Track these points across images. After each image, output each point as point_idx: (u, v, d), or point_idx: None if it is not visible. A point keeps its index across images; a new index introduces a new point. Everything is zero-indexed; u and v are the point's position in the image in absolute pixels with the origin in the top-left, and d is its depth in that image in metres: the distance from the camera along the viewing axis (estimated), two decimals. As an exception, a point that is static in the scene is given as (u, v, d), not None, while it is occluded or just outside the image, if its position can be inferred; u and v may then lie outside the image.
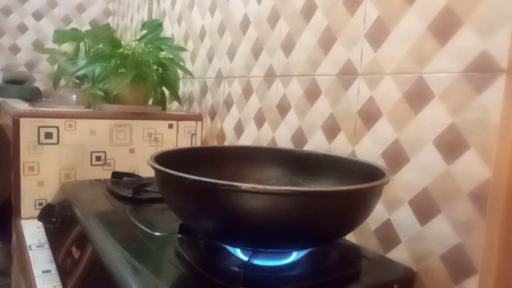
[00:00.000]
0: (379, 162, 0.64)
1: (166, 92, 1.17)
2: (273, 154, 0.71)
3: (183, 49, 1.17)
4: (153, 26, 1.14)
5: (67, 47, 1.30)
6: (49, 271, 0.70)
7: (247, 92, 0.99)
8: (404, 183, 0.60)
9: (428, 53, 0.57)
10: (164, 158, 0.58)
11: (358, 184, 0.47)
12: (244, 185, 0.42)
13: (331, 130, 0.74)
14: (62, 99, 1.40)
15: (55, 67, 1.52)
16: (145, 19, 1.65)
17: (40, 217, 0.82)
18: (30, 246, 0.79)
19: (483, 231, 0.50)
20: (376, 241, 0.65)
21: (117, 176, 0.93)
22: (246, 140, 1.00)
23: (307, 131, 0.80)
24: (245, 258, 0.49)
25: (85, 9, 2.12)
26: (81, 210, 0.74)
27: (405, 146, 0.60)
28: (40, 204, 0.94)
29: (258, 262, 0.51)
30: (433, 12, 0.56)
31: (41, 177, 0.95)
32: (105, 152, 1.02)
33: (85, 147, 0.99)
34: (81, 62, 1.03)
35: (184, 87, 1.35)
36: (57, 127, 0.95)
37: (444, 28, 0.55)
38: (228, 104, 1.08)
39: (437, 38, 0.55)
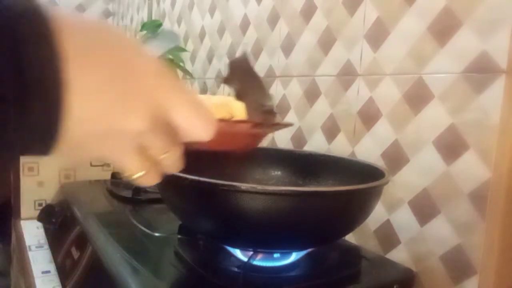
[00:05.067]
0: (378, 162, 0.64)
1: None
2: (273, 155, 0.71)
3: (183, 50, 1.17)
4: (153, 27, 1.14)
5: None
6: (48, 271, 0.70)
7: (247, 92, 0.99)
8: (403, 183, 0.60)
9: (427, 54, 0.57)
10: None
11: (358, 184, 0.47)
12: (244, 185, 0.42)
13: (330, 130, 0.74)
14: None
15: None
16: (145, 19, 1.65)
17: (40, 218, 0.82)
18: (29, 246, 0.79)
19: (482, 232, 0.50)
20: (376, 241, 0.65)
21: (117, 176, 0.93)
22: (246, 140, 1.00)
23: (307, 131, 0.80)
24: (245, 259, 0.49)
25: (85, 9, 2.12)
26: (81, 211, 0.74)
27: (404, 147, 0.60)
28: (40, 204, 0.94)
29: (258, 262, 0.51)
30: (432, 12, 0.56)
31: (41, 177, 0.95)
32: (104, 153, 1.02)
33: (84, 147, 0.99)
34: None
35: (184, 88, 1.35)
36: (57, 128, 0.95)
37: (443, 28, 0.55)
38: (228, 104, 1.08)
39: (437, 38, 0.55)
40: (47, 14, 0.18)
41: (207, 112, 0.25)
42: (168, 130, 0.24)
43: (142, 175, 0.24)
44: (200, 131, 0.25)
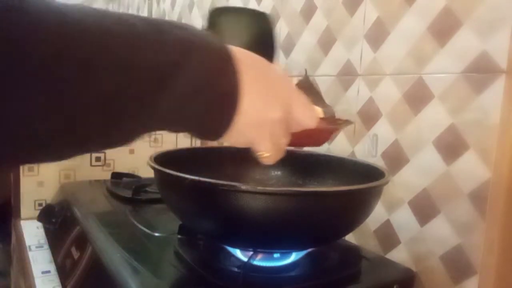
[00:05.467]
0: (379, 162, 0.64)
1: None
2: (272, 155, 0.71)
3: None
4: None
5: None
6: (48, 271, 0.70)
7: (247, 92, 0.99)
8: (403, 183, 0.60)
9: (427, 54, 0.57)
10: (164, 159, 0.58)
11: (358, 184, 0.47)
12: (244, 186, 0.43)
13: (330, 130, 0.74)
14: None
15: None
16: (145, 19, 1.64)
17: (40, 218, 0.82)
18: (29, 246, 0.79)
19: (482, 232, 0.50)
20: (376, 241, 0.65)
21: (116, 176, 0.93)
22: (246, 140, 1.00)
23: (306, 131, 0.80)
24: (245, 259, 0.49)
25: (85, 9, 2.11)
26: (81, 211, 0.74)
27: (404, 147, 0.60)
28: (40, 204, 0.94)
29: (258, 262, 0.51)
30: (432, 12, 0.56)
31: (41, 177, 0.95)
32: (104, 153, 1.02)
33: (84, 147, 0.99)
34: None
35: (184, 88, 1.35)
36: (57, 128, 0.95)
37: (443, 28, 0.55)
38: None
39: (437, 38, 0.55)
40: (230, 49, 0.31)
41: (313, 110, 0.39)
42: (287, 122, 0.35)
43: (269, 155, 0.36)
44: (309, 121, 0.37)
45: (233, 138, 0.33)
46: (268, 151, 0.35)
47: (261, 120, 0.33)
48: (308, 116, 0.37)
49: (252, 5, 0.97)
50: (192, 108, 0.29)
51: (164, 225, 0.65)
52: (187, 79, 0.27)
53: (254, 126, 0.33)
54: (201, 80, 0.28)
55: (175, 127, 0.31)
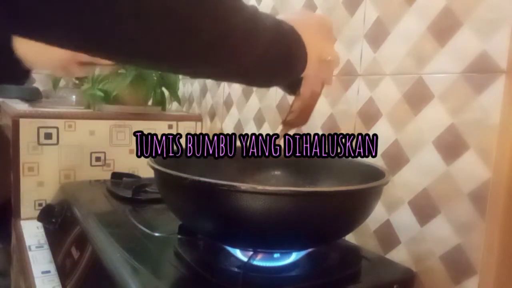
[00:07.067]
0: (378, 162, 0.64)
1: (166, 92, 1.17)
2: (273, 154, 0.71)
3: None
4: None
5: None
6: (48, 271, 0.70)
7: (247, 92, 0.99)
8: (403, 183, 0.60)
9: (427, 54, 0.57)
10: (164, 159, 0.58)
11: (358, 184, 0.47)
12: (244, 185, 0.42)
13: (331, 130, 0.74)
14: (62, 100, 1.40)
15: (55, 67, 1.52)
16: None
17: (40, 218, 0.82)
18: (29, 246, 0.79)
19: (482, 232, 0.50)
20: (376, 241, 0.65)
21: (116, 176, 0.93)
22: (246, 140, 1.00)
23: (307, 131, 0.80)
24: (245, 259, 0.49)
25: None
26: (81, 211, 0.74)
27: (404, 147, 0.60)
28: (40, 204, 0.94)
29: (258, 262, 0.51)
30: (432, 12, 0.56)
31: (41, 177, 0.95)
32: (104, 153, 1.02)
33: (84, 147, 0.99)
34: (81, 62, 1.03)
35: (183, 88, 1.35)
36: (57, 128, 0.96)
37: (443, 28, 0.55)
38: (227, 104, 1.08)
39: (437, 38, 0.55)
40: (291, 27, 0.44)
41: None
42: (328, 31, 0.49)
43: (334, 59, 0.48)
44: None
45: (311, 56, 0.44)
46: (333, 54, 0.48)
47: (324, 49, 0.46)
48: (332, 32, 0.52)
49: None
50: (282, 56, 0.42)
51: (164, 225, 0.65)
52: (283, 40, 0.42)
53: (315, 39, 0.45)
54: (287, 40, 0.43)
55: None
